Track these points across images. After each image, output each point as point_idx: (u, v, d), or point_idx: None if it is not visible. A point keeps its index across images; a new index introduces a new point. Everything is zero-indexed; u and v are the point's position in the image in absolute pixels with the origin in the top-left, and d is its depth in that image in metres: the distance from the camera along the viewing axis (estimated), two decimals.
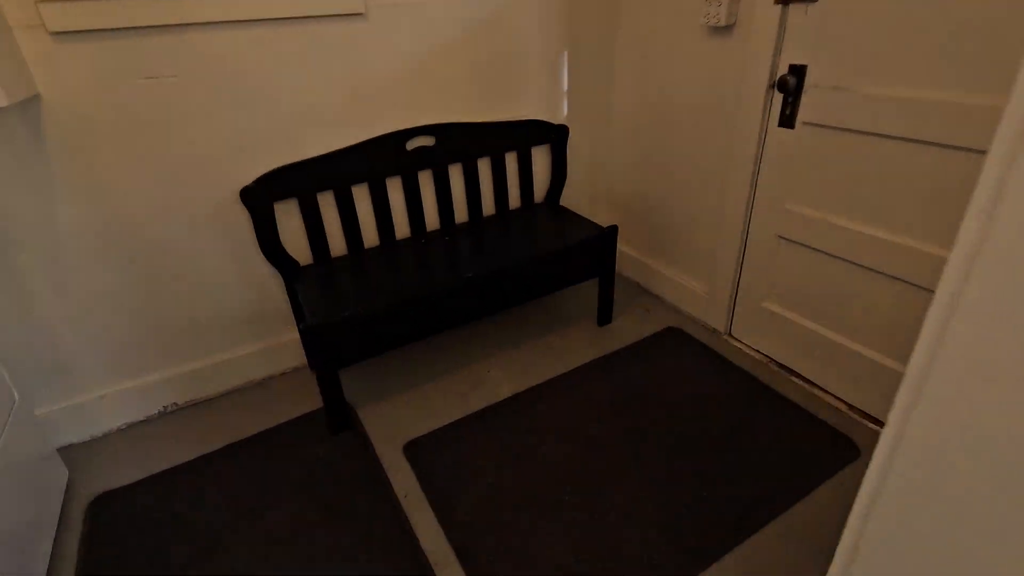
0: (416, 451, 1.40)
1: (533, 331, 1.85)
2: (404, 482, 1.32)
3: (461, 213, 1.83)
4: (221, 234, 1.50)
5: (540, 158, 1.92)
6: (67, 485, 1.37)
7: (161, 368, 1.57)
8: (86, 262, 1.36)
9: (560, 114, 1.90)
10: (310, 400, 1.61)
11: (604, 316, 1.85)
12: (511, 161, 1.85)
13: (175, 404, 1.61)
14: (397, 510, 1.24)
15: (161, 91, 1.30)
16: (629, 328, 1.84)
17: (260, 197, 1.47)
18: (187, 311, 1.54)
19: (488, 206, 1.87)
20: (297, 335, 1.72)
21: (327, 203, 1.60)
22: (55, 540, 1.23)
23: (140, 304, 1.47)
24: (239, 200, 1.48)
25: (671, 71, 1.69)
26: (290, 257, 1.58)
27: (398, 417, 1.52)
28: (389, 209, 1.68)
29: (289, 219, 1.56)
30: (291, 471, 1.36)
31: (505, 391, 1.59)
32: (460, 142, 1.71)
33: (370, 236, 1.70)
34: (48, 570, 1.16)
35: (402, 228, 1.75)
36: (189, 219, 1.44)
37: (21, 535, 1.11)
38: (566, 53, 1.82)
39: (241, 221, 1.51)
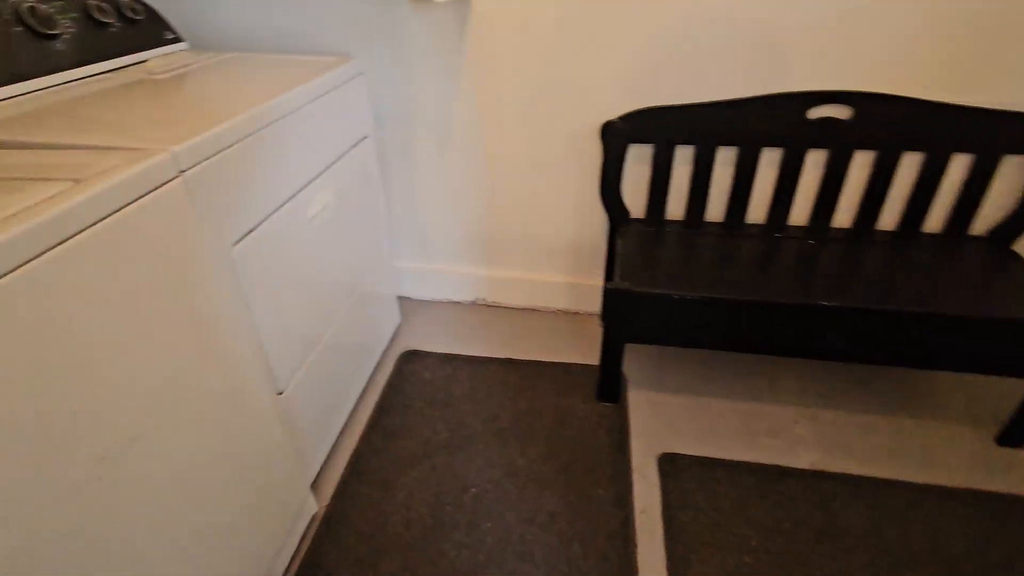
0: (671, 468, 1.21)
1: (881, 401, 1.37)
2: (646, 496, 1.16)
3: (844, 216, 1.40)
4: (570, 160, 1.47)
5: (1009, 173, 1.28)
6: (396, 330, 1.67)
7: (486, 265, 1.72)
8: (457, 152, 1.52)
9: None
10: (593, 352, 1.56)
11: (1015, 434, 1.22)
12: (956, 166, 1.28)
13: (484, 300, 1.78)
14: (628, 524, 1.11)
15: (571, 3, 1.25)
16: None
17: (619, 135, 1.36)
18: (520, 223, 1.61)
19: (889, 218, 1.38)
20: (603, 283, 1.65)
21: (683, 158, 1.39)
22: (375, 368, 1.53)
23: (486, 203, 1.59)
24: (597, 132, 1.40)
25: None
26: (623, 205, 1.47)
27: (667, 419, 1.34)
28: (751, 184, 1.38)
29: (637, 165, 1.43)
30: (547, 415, 1.36)
31: (807, 459, 1.23)
32: (888, 124, 1.24)
33: (716, 208, 1.45)
34: (362, 391, 1.45)
35: (758, 210, 1.43)
36: (546, 137, 1.45)
37: (358, 353, 1.38)
38: None
39: (592, 153, 1.45)
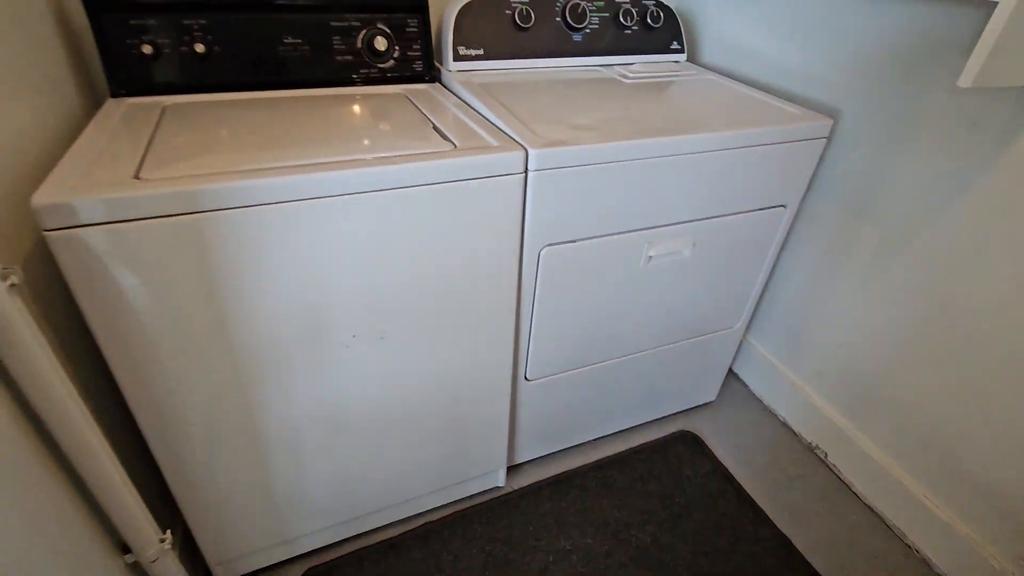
0: None
1: None
2: None
3: None
4: None
5: None
6: (702, 405, 1.47)
7: (854, 420, 1.25)
8: (907, 276, 1.09)
9: None
10: None
11: None
12: None
13: (824, 454, 1.33)
14: None
15: None
16: None
17: None
18: (936, 407, 1.08)
19: None
20: None
21: None
22: (650, 422, 1.41)
23: (906, 353, 1.12)
24: None
25: None
26: None
27: None
28: None
29: None
30: None
31: None
32: None
33: None
34: (617, 432, 1.37)
35: None
36: None
37: (645, 398, 1.32)
38: None
39: None
